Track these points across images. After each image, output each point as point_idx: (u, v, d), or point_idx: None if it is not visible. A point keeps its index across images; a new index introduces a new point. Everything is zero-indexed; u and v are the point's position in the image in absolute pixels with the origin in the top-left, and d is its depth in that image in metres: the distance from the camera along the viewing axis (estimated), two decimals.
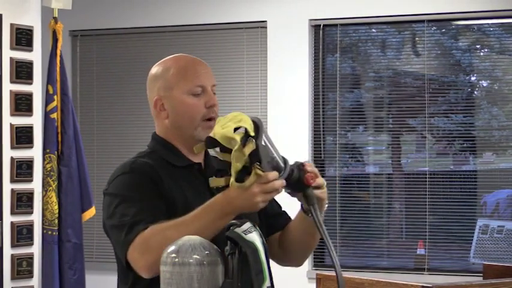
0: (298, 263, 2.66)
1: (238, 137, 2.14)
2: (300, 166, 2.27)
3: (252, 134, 2.16)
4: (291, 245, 2.55)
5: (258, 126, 2.18)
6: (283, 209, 2.65)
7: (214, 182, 2.24)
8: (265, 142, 2.19)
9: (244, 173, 2.17)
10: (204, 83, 2.49)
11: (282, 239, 2.57)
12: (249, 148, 2.14)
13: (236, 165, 2.16)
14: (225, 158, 2.21)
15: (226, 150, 2.19)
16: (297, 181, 2.25)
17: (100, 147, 6.96)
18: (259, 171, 2.16)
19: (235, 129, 2.16)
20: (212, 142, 2.20)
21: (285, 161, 2.24)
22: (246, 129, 2.15)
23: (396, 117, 6.54)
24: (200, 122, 2.47)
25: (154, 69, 2.54)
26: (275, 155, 2.22)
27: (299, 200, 2.34)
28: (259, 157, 2.16)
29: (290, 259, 2.60)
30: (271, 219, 2.56)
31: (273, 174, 2.18)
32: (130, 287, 2.41)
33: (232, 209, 2.21)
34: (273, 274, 2.17)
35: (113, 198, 2.39)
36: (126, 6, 6.89)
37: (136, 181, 2.39)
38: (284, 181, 2.22)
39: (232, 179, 2.17)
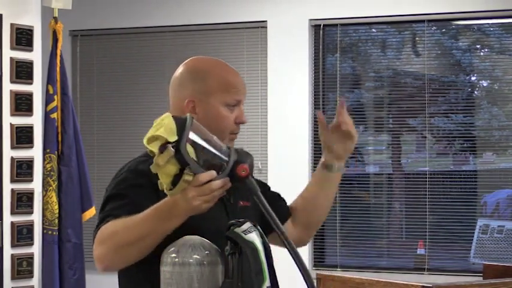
0: (312, 232, 2.72)
1: (155, 148, 2.07)
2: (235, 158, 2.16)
3: (173, 138, 2.07)
4: (309, 212, 2.59)
5: (182, 127, 2.09)
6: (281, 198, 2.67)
7: (161, 185, 2.16)
8: (197, 141, 2.10)
9: (179, 178, 2.10)
10: (241, 98, 2.48)
11: (298, 215, 2.61)
12: (163, 158, 2.06)
13: (163, 173, 2.09)
14: None
15: None
16: (231, 175, 2.14)
17: (100, 147, 6.96)
18: (186, 177, 2.08)
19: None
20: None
21: (229, 152, 2.14)
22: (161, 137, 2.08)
23: (396, 117, 6.54)
24: (227, 135, 2.46)
25: (189, 68, 2.48)
26: (216, 152, 2.12)
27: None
28: (185, 161, 2.08)
29: (307, 230, 2.65)
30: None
31: (205, 175, 2.08)
32: None
33: (178, 212, 2.15)
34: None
35: (107, 195, 2.38)
36: (126, 6, 6.89)
37: (136, 181, 2.36)
38: (226, 178, 2.12)
39: (165, 187, 2.11)
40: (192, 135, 2.10)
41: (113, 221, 2.25)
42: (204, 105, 2.43)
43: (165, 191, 2.12)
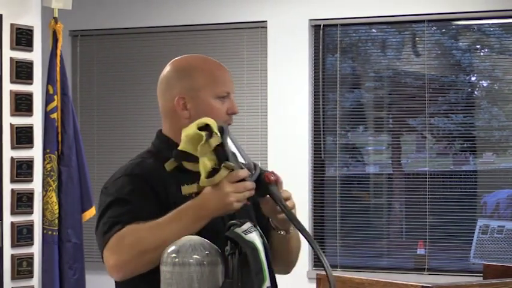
0: (283, 272, 2.59)
1: (203, 132, 2.16)
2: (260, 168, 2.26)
3: (217, 131, 2.17)
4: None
5: (223, 129, 2.19)
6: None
7: (186, 189, 2.21)
8: (233, 146, 2.21)
9: (214, 174, 2.17)
10: (230, 89, 2.49)
11: None
12: (215, 140, 2.15)
13: (204, 162, 2.15)
14: (195, 168, 2.20)
15: (194, 160, 2.19)
16: (257, 181, 2.23)
17: (100, 147, 6.96)
18: (229, 164, 2.16)
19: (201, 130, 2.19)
20: (181, 155, 2.20)
21: (255, 165, 2.24)
22: (210, 126, 2.17)
23: (396, 117, 6.54)
24: None
25: (175, 67, 2.50)
26: (244, 160, 2.22)
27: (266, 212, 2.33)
28: (226, 154, 2.17)
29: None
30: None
31: (243, 172, 2.19)
32: None
33: (206, 212, 2.19)
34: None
35: (107, 198, 2.37)
36: (126, 6, 6.89)
37: (135, 186, 2.35)
38: (254, 183, 2.22)
39: (202, 176, 2.16)
40: (232, 141, 2.22)
41: (128, 227, 2.25)
42: (195, 101, 2.44)
43: (202, 181, 2.17)
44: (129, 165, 2.43)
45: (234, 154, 2.19)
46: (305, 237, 2.17)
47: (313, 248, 2.16)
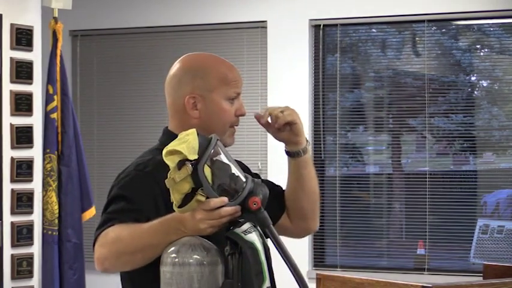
0: (311, 222, 2.69)
1: (173, 162, 2.07)
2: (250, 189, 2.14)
3: (193, 157, 2.06)
4: (294, 203, 2.60)
5: (204, 147, 2.09)
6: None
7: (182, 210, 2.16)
8: (224, 157, 2.11)
9: (189, 196, 2.09)
10: (240, 90, 2.51)
11: (287, 208, 2.61)
12: (180, 175, 2.06)
13: (173, 192, 2.09)
14: None
15: None
16: (242, 204, 2.13)
17: (100, 147, 6.96)
18: (199, 197, 2.08)
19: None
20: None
21: (246, 182, 2.13)
22: (180, 152, 2.07)
23: (396, 117, 6.54)
24: (228, 128, 2.47)
25: (188, 65, 2.49)
26: (232, 178, 2.12)
27: None
28: (199, 182, 2.07)
29: (303, 222, 2.65)
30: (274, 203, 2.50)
31: (217, 201, 2.09)
32: None
33: (184, 229, 2.16)
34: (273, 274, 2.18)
35: (113, 192, 2.38)
36: (126, 6, 6.89)
37: (143, 184, 2.35)
38: (238, 206, 2.11)
39: (174, 204, 2.11)
40: (213, 157, 2.10)
41: (118, 225, 2.25)
42: (205, 101, 2.44)
43: (173, 207, 2.12)
44: (141, 162, 2.42)
45: (219, 174, 2.10)
46: (284, 259, 2.13)
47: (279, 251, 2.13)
